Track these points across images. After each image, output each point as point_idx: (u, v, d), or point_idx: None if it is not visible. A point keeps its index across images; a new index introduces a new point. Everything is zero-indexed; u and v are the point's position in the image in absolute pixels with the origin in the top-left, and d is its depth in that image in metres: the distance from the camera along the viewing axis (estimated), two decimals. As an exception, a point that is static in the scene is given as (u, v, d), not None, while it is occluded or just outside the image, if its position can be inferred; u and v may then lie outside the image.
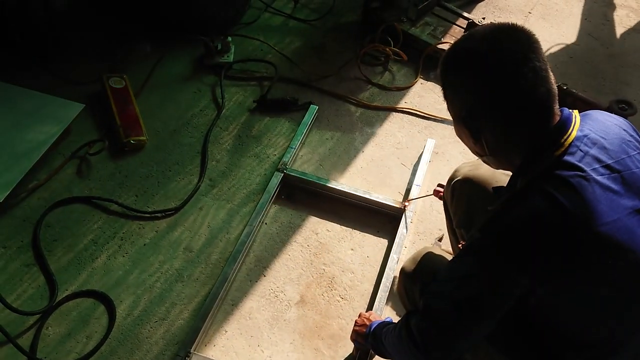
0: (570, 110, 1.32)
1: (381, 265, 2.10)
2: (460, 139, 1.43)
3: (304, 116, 2.54)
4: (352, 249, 2.15)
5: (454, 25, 2.93)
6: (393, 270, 2.02)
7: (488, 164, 1.46)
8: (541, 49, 1.28)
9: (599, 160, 1.24)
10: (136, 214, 2.16)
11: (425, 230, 2.21)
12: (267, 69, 2.74)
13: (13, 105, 2.32)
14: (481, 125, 1.30)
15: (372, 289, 2.04)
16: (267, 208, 2.18)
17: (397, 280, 1.94)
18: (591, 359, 1.29)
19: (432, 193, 2.05)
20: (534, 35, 1.29)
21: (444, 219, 2.15)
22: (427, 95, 2.72)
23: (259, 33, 2.91)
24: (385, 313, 1.94)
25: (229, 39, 2.70)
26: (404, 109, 2.64)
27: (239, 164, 2.36)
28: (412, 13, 2.93)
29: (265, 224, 2.18)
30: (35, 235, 2.05)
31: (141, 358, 1.81)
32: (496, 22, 1.33)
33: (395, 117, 2.61)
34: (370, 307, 1.98)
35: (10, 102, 2.33)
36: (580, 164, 1.23)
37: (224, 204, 2.23)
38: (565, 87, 2.70)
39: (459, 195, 1.68)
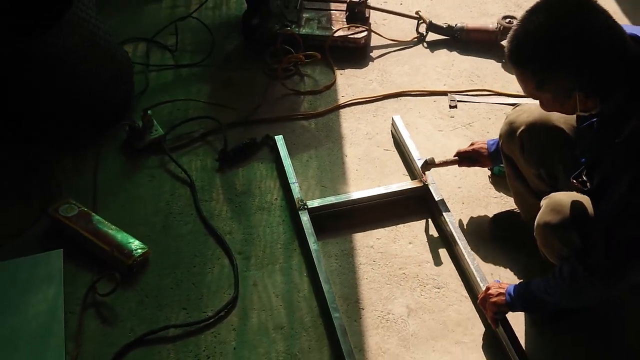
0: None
1: (441, 240, 2.16)
2: (565, 112, 1.55)
3: (271, 152, 2.44)
4: (410, 243, 2.17)
5: (332, 11, 3.00)
6: (461, 234, 2.08)
7: (578, 115, 1.58)
8: None
9: None
10: (200, 325, 1.92)
11: (450, 196, 2.30)
12: (200, 124, 2.55)
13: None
14: (595, 90, 1.41)
15: (453, 265, 2.09)
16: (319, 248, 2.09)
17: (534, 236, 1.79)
18: None
19: (455, 158, 2.16)
20: None
21: (455, 178, 2.30)
22: (354, 82, 2.78)
23: (162, 95, 2.68)
24: (488, 277, 2.01)
25: (149, 112, 2.45)
26: (347, 103, 2.67)
27: (252, 224, 2.21)
28: (292, 15, 2.93)
29: (323, 263, 2.09)
30: (119, 408, 1.73)
31: None
32: None
33: (345, 112, 2.64)
34: (466, 280, 2.04)
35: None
36: None
37: (272, 267, 2.08)
38: (456, 25, 2.96)
39: (529, 142, 1.80)
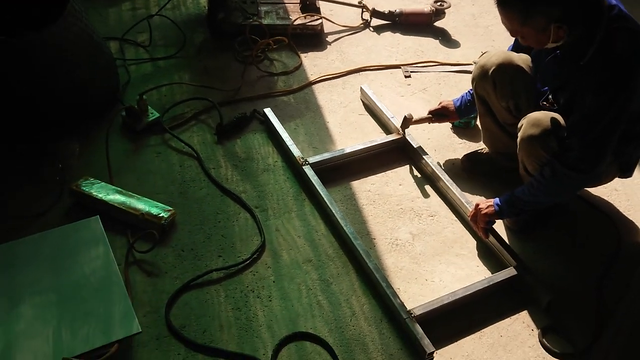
0: None
1: (425, 179, 2.53)
2: (540, 45, 1.94)
3: (261, 124, 2.72)
4: (400, 184, 2.52)
5: (287, 4, 3.33)
6: (442, 172, 2.47)
7: (540, 47, 1.98)
8: None
9: None
10: (239, 267, 2.15)
11: (423, 146, 2.68)
12: (189, 105, 2.77)
13: (37, 260, 1.99)
14: (566, 22, 1.82)
15: (439, 198, 2.46)
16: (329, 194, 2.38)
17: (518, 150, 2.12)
18: None
19: (429, 116, 2.57)
20: None
21: (424, 132, 2.70)
22: (319, 62, 3.12)
23: (146, 84, 2.86)
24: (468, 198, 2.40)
25: (145, 97, 2.63)
26: (318, 79, 3.00)
27: (261, 183, 2.46)
28: (252, 9, 3.22)
29: (332, 207, 2.39)
30: (184, 338, 1.92)
31: (375, 350, 1.95)
32: None
33: (318, 87, 2.96)
34: (453, 207, 2.41)
35: (33, 257, 1.99)
36: (612, 3, 1.88)
37: (288, 215, 2.35)
38: (395, 11, 3.39)
39: (500, 78, 2.22)
